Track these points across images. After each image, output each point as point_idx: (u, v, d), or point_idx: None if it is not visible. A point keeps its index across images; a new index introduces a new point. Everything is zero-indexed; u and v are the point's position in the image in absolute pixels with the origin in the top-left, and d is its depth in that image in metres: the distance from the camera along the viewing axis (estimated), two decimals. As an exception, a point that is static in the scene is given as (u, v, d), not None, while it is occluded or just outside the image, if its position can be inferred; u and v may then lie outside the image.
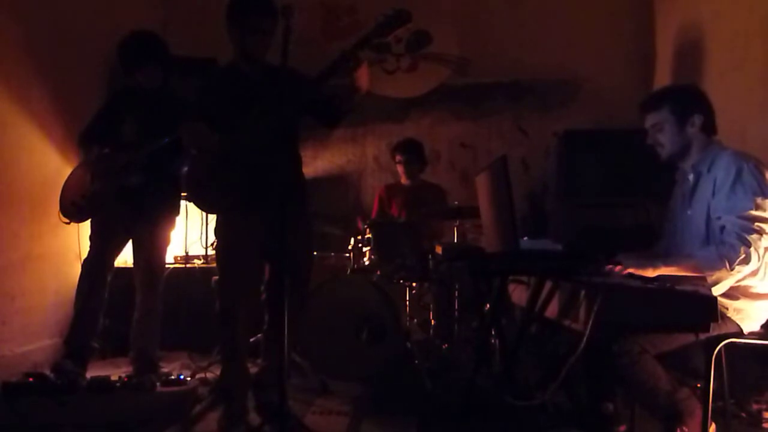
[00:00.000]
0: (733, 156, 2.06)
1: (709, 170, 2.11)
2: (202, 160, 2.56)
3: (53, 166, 3.51)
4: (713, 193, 2.06)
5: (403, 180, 4.15)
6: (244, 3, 2.48)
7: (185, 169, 2.91)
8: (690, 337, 1.95)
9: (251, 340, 3.03)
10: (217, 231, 2.63)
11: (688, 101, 2.17)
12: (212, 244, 4.07)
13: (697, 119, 2.13)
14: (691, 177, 2.20)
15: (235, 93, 2.50)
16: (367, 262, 3.53)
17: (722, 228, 2.01)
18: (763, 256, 1.96)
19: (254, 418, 2.55)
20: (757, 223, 1.95)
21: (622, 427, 2.26)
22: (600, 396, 2.13)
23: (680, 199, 2.27)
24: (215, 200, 2.53)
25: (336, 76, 2.38)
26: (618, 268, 1.93)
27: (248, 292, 2.59)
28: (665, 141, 2.18)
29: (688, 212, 2.19)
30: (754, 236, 1.94)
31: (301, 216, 2.57)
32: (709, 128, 2.16)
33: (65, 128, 3.57)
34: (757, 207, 1.95)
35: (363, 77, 2.43)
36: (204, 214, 4.06)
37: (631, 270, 1.94)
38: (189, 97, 2.67)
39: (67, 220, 3.09)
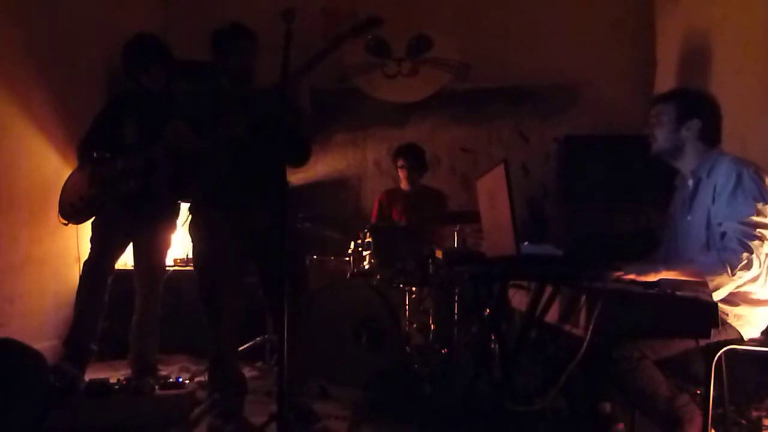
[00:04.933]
0: (732, 161, 2.06)
1: (708, 175, 2.11)
2: (184, 157, 2.62)
3: (53, 169, 3.51)
4: (713, 199, 2.06)
5: (404, 185, 4.14)
6: (223, 31, 2.67)
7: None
8: (690, 343, 1.95)
9: (249, 344, 3.04)
10: (192, 229, 2.66)
11: (694, 104, 2.17)
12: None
13: (696, 124, 2.13)
14: (690, 182, 2.20)
15: (207, 107, 2.62)
16: (367, 267, 3.52)
17: (723, 234, 2.01)
18: (765, 262, 1.96)
19: (255, 420, 2.56)
20: (758, 230, 1.95)
21: (620, 425, 2.25)
22: (597, 397, 2.13)
23: (680, 205, 2.27)
24: (193, 187, 2.61)
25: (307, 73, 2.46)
26: (619, 274, 1.94)
27: (228, 290, 2.60)
28: (659, 135, 2.19)
29: (688, 218, 2.18)
30: (756, 242, 1.94)
31: (281, 216, 2.58)
32: (708, 137, 2.16)
33: (66, 131, 3.57)
34: (758, 213, 1.95)
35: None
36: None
37: (632, 276, 1.94)
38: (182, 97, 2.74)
39: (66, 221, 3.09)
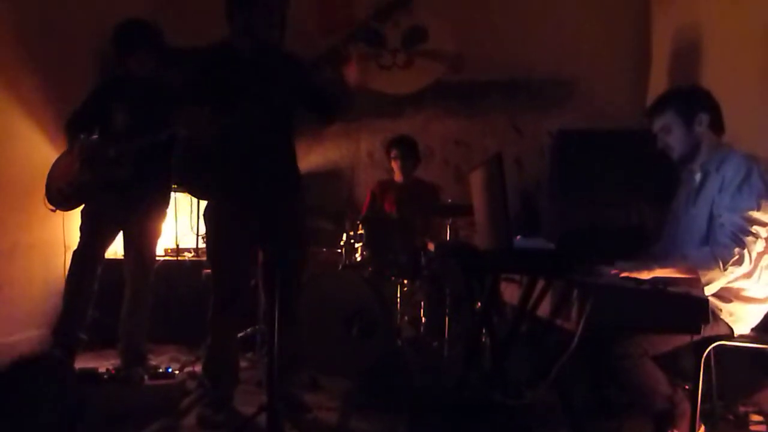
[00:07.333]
0: (744, 158, 2.08)
1: (717, 170, 2.12)
2: (195, 144, 2.49)
3: (42, 154, 3.46)
4: (719, 191, 2.06)
5: (397, 176, 4.13)
6: None
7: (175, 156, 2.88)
8: (686, 339, 1.95)
9: (241, 334, 3.01)
10: (207, 217, 2.62)
11: (693, 101, 2.18)
12: (203, 236, 4.04)
13: (704, 118, 2.14)
14: (698, 176, 2.20)
15: (226, 72, 2.45)
16: (359, 258, 3.52)
17: (721, 226, 2.02)
18: (757, 261, 1.96)
19: (245, 410, 2.54)
20: (754, 226, 1.95)
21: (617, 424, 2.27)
22: (591, 390, 2.14)
23: (684, 199, 2.27)
24: (207, 184, 2.50)
25: (331, 64, 2.37)
26: (613, 271, 1.94)
27: (241, 278, 2.61)
28: (674, 143, 2.19)
29: (693, 210, 2.19)
30: (750, 238, 1.94)
31: (293, 205, 2.56)
32: (717, 126, 2.17)
33: (55, 117, 3.51)
34: (759, 209, 1.96)
35: (351, 73, 2.41)
36: (194, 205, 4.03)
37: (626, 274, 1.94)
38: (177, 78, 2.63)
39: (53, 208, 3.05)
